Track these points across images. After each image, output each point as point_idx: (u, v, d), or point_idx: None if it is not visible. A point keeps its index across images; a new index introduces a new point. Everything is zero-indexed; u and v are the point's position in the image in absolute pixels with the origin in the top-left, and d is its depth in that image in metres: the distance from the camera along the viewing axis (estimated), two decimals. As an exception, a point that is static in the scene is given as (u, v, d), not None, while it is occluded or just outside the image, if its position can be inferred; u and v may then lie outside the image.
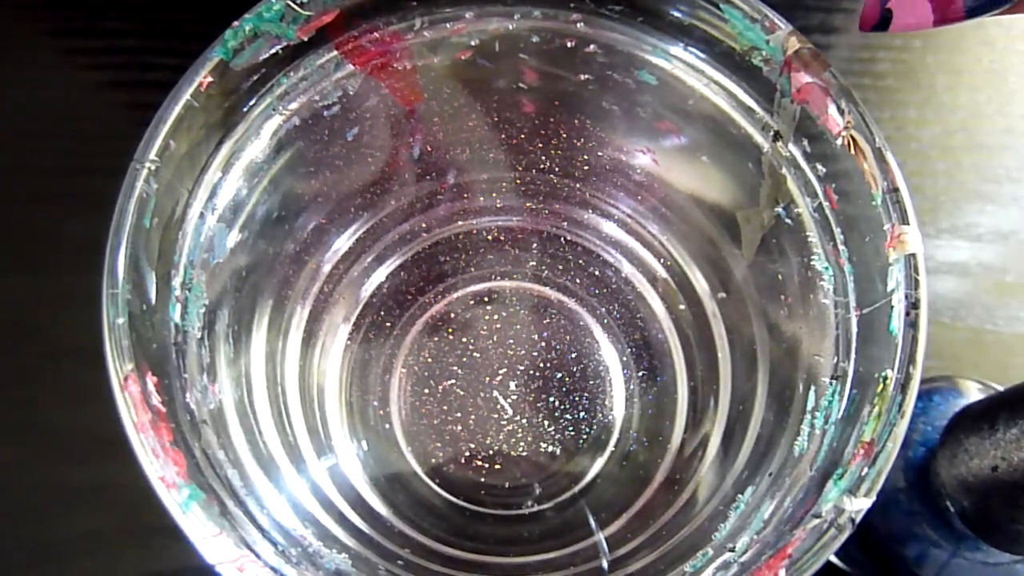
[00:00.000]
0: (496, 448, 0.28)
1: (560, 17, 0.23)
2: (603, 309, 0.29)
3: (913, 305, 0.19)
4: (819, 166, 0.21)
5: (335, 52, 0.22)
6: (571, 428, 0.28)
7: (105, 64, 0.35)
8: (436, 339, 0.29)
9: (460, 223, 0.29)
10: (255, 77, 0.21)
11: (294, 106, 0.22)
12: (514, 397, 0.28)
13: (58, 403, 0.30)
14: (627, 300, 0.29)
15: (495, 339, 0.29)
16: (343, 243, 0.27)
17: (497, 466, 0.28)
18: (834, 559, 0.28)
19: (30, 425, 0.30)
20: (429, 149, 0.27)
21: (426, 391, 0.28)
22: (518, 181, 0.29)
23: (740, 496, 0.21)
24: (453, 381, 0.28)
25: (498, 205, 0.29)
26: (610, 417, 0.28)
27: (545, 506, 0.27)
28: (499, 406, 0.28)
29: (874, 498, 0.18)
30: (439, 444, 0.28)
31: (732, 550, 0.20)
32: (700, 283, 0.27)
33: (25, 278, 0.32)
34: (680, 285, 0.28)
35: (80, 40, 0.35)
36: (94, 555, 0.29)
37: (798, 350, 0.23)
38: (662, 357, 0.29)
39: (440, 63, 0.24)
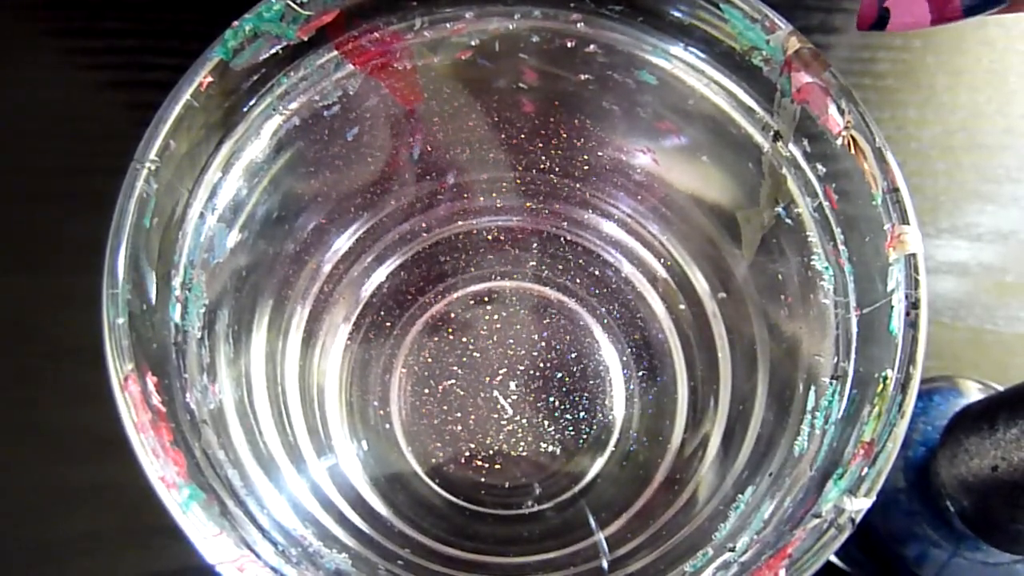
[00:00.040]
0: (496, 448, 0.28)
1: (560, 17, 0.23)
2: (603, 309, 0.29)
3: (913, 305, 0.19)
4: (819, 166, 0.21)
5: (335, 52, 0.22)
6: (571, 428, 0.28)
7: (105, 64, 0.35)
8: (436, 339, 0.29)
9: (460, 223, 0.29)
10: (255, 77, 0.21)
11: (294, 106, 0.22)
12: (514, 397, 0.28)
13: (58, 403, 0.30)
14: (627, 300, 0.29)
15: (495, 339, 0.29)
16: (343, 243, 0.27)
17: (497, 466, 0.28)
18: (834, 559, 0.28)
19: (30, 425, 0.30)
20: (429, 149, 0.27)
21: (426, 391, 0.28)
22: (518, 181, 0.29)
23: (740, 496, 0.21)
24: (453, 381, 0.28)
25: (498, 205, 0.29)
26: (610, 417, 0.28)
27: (545, 506, 0.27)
28: (499, 406, 0.28)
29: (874, 498, 0.18)
30: (439, 444, 0.28)
31: (732, 550, 0.20)
32: (700, 283, 0.27)
33: (25, 278, 0.32)
34: (680, 285, 0.28)
35: (80, 40, 0.35)
36: (94, 555, 0.29)
37: (798, 350, 0.23)
38: (662, 357, 0.29)
39: (440, 63, 0.24)
